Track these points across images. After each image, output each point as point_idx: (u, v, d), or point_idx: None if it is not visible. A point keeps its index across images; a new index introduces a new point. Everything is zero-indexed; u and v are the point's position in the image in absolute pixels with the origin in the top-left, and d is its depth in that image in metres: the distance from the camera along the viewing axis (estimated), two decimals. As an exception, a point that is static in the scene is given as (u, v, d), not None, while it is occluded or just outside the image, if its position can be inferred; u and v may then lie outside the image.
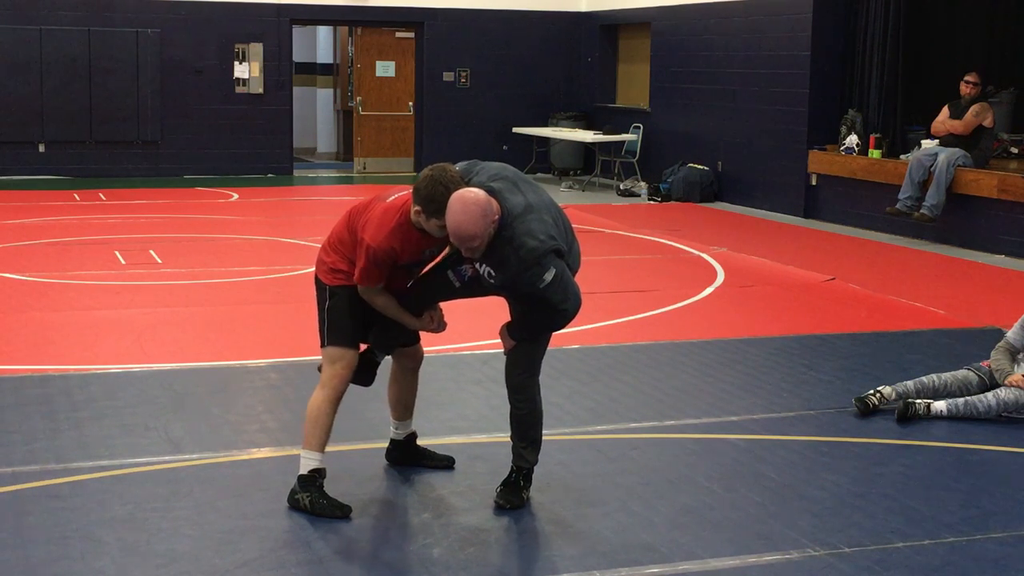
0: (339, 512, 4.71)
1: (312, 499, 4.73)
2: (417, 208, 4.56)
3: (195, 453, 5.49)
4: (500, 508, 4.83)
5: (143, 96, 17.69)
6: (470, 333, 7.99)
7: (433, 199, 4.49)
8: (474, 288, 4.85)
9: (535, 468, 4.98)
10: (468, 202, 4.41)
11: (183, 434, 5.75)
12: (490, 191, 4.55)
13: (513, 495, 4.88)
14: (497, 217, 4.50)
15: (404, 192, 4.72)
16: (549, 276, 4.55)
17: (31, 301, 8.89)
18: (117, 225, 12.97)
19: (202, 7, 17.95)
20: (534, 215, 4.57)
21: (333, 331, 4.81)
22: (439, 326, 4.94)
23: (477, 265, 4.68)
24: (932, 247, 12.43)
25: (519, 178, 4.73)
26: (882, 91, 13.94)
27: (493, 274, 4.63)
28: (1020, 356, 6.38)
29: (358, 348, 4.87)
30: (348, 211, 4.88)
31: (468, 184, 4.58)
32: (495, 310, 8.89)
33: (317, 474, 4.78)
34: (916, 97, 13.97)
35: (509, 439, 4.97)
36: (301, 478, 4.79)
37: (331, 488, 4.79)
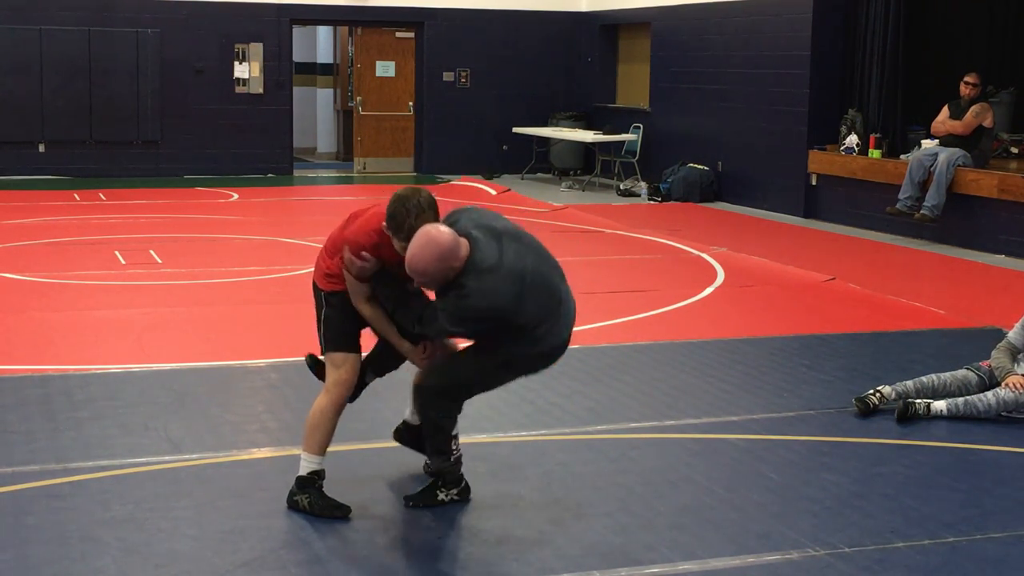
0: (338, 512, 4.71)
1: (311, 500, 4.73)
2: (383, 223, 4.56)
3: (195, 453, 5.49)
4: (410, 504, 4.85)
5: (143, 96, 17.68)
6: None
7: (393, 217, 4.47)
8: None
9: (453, 472, 4.91)
10: (431, 239, 4.32)
11: (183, 434, 5.75)
12: (466, 235, 4.44)
13: (425, 496, 4.88)
14: (459, 265, 4.38)
15: None
16: (436, 331, 4.52)
17: (31, 301, 8.89)
18: (117, 225, 12.97)
19: (202, 7, 17.95)
20: (500, 275, 4.41)
21: (332, 337, 4.81)
22: (429, 358, 4.81)
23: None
24: (932, 247, 12.43)
25: (507, 232, 4.55)
26: (882, 91, 13.94)
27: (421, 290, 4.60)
28: (1020, 356, 6.38)
29: (359, 351, 4.86)
30: (348, 216, 4.87)
31: (452, 227, 4.47)
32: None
33: (316, 476, 4.78)
34: (916, 97, 13.96)
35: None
36: (300, 479, 4.79)
37: (331, 488, 4.78)
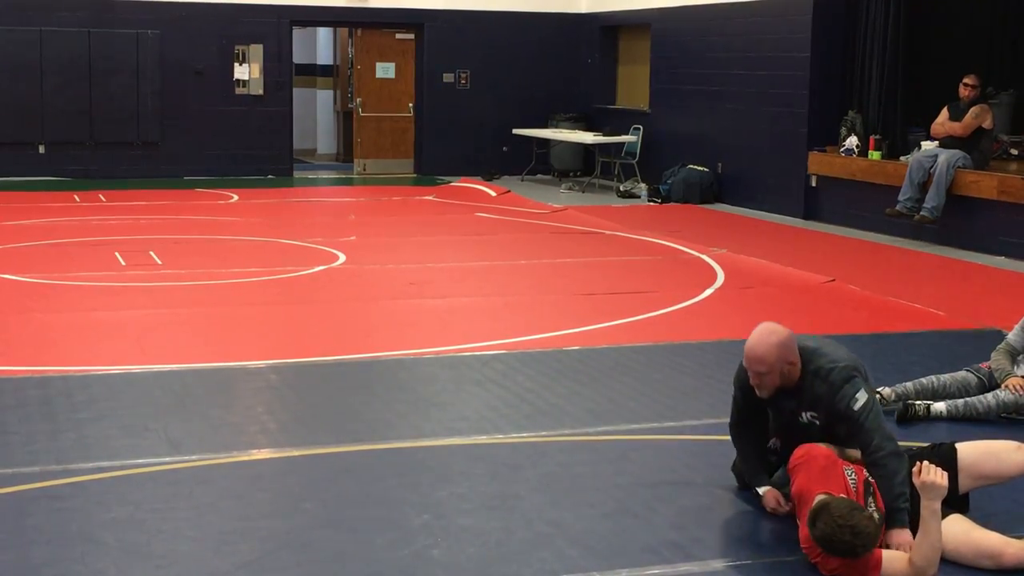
0: None
1: None
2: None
3: (195, 454, 5.49)
4: None
5: (143, 97, 17.69)
6: (470, 333, 8.00)
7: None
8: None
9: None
10: (770, 331, 4.72)
11: (183, 435, 5.75)
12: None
13: None
14: (795, 360, 4.67)
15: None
16: (862, 398, 4.57)
17: (31, 302, 8.89)
18: (117, 226, 12.97)
19: (202, 8, 17.95)
20: (829, 348, 4.78)
21: None
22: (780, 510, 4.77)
23: (802, 415, 4.73)
24: (932, 248, 12.43)
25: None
26: (882, 92, 13.94)
27: (816, 416, 4.71)
28: (1020, 358, 6.38)
29: None
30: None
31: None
32: (495, 310, 8.90)
33: None
34: (916, 98, 13.96)
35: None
36: None
37: (331, 488, 4.78)
